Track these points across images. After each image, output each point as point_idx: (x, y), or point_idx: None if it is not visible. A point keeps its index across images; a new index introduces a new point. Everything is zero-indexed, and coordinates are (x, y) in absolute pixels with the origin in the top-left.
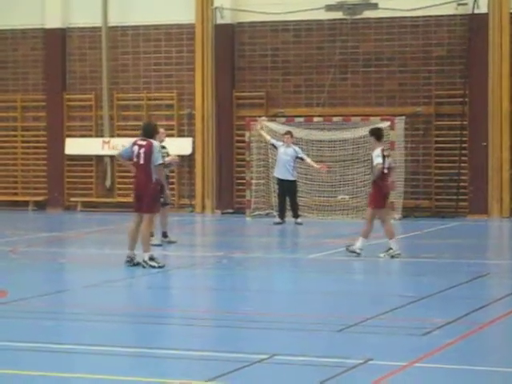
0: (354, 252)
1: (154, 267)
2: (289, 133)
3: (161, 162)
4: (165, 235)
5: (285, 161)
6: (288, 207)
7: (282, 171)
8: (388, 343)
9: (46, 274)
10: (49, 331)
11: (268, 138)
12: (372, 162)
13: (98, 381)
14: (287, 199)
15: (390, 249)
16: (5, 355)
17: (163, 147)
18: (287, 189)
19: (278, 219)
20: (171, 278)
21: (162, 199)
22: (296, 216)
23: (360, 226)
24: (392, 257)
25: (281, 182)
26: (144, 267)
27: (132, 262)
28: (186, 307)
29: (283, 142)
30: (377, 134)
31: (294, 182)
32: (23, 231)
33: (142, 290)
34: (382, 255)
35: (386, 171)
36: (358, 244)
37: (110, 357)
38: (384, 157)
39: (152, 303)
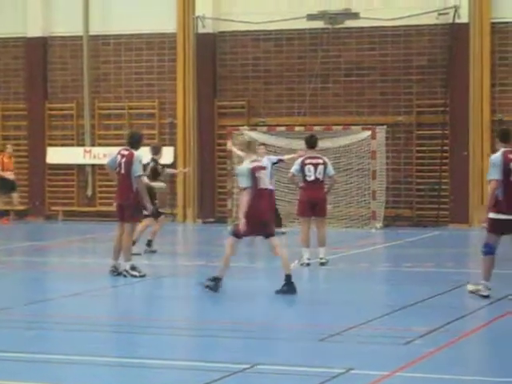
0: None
1: (135, 276)
2: (262, 144)
3: (140, 173)
4: (149, 244)
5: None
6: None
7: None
8: (369, 352)
9: (27, 283)
10: (30, 341)
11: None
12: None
13: None
14: None
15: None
16: None
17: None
18: None
19: None
20: (152, 287)
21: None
22: (279, 226)
23: (342, 235)
24: (301, 264)
25: None
26: (125, 276)
27: (116, 272)
28: (168, 317)
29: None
30: (307, 141)
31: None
32: (4, 241)
33: (123, 299)
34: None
35: (308, 179)
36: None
37: (92, 366)
38: (304, 165)
39: (133, 313)
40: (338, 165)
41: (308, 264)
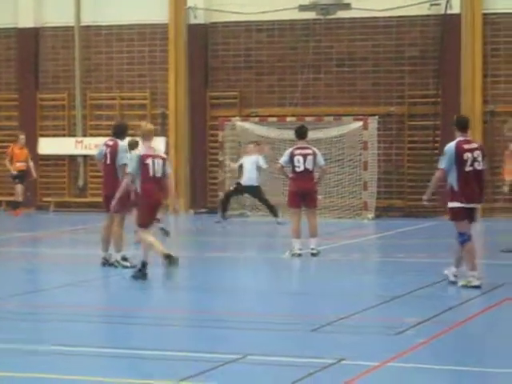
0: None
1: (126, 267)
2: (254, 142)
3: (125, 162)
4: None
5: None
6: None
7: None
8: (361, 343)
9: (18, 274)
10: (23, 332)
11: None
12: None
13: (74, 381)
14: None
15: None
16: None
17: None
18: (254, 193)
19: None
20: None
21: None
22: (275, 215)
23: (334, 226)
24: (293, 255)
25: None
26: (116, 267)
27: (107, 263)
28: (159, 307)
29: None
30: (297, 132)
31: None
32: None
33: (114, 290)
34: (285, 254)
35: (298, 170)
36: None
37: (85, 357)
38: (293, 156)
39: (124, 303)
40: (330, 155)
41: (299, 254)
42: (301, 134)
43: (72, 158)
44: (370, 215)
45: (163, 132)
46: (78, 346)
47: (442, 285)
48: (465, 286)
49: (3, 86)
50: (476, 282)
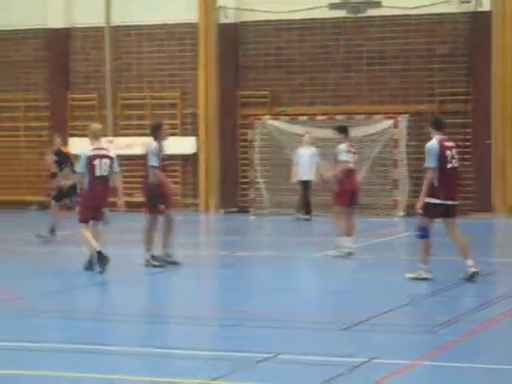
0: (343, 253)
1: (155, 266)
2: (307, 133)
3: (152, 164)
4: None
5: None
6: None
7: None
8: (393, 341)
9: (51, 274)
10: (57, 330)
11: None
12: (336, 158)
13: (108, 381)
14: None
15: (343, 246)
16: (13, 355)
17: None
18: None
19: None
20: (174, 277)
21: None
22: (308, 213)
23: (364, 224)
24: (348, 254)
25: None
26: (147, 266)
27: (168, 262)
28: (191, 306)
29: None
30: (345, 130)
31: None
32: (23, 231)
33: (145, 289)
34: (331, 252)
35: (351, 168)
36: (347, 244)
37: (118, 356)
38: (351, 153)
39: (156, 303)
40: (361, 154)
41: (351, 253)
42: (347, 131)
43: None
44: (401, 213)
45: (193, 131)
46: (114, 345)
47: (473, 283)
48: (414, 279)
49: (33, 86)
50: (427, 275)
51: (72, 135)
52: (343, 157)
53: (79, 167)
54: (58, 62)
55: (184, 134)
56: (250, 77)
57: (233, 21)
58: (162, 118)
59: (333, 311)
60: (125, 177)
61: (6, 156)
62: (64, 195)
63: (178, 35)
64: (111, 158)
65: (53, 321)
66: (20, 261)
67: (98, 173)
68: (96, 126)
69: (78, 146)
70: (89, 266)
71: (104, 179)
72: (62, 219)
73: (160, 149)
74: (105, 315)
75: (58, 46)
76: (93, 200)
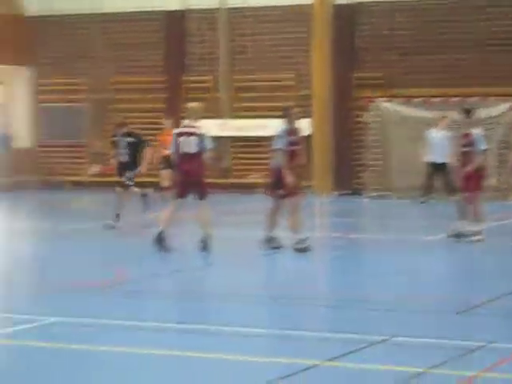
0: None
1: (273, 248)
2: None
3: (277, 146)
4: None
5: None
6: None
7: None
8: (509, 325)
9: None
10: (192, 312)
11: None
12: (474, 144)
13: (238, 362)
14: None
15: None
16: (152, 335)
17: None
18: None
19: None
20: (291, 259)
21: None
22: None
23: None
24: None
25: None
26: (265, 247)
27: (271, 244)
28: (304, 288)
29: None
30: (471, 112)
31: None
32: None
33: (259, 270)
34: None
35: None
36: (475, 228)
37: (244, 338)
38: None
39: (270, 284)
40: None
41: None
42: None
43: (217, 140)
44: None
45: (307, 114)
46: (238, 326)
47: None
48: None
49: (151, 68)
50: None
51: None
52: (482, 146)
53: (171, 147)
54: (173, 44)
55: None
56: (364, 58)
57: (349, 2)
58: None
59: (448, 294)
60: (238, 158)
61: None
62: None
63: (293, 17)
64: (199, 135)
65: (164, 301)
66: (136, 242)
67: (184, 149)
68: (192, 105)
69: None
70: (204, 247)
71: (191, 156)
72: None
73: (289, 132)
74: (218, 296)
75: (174, 28)
76: (181, 176)
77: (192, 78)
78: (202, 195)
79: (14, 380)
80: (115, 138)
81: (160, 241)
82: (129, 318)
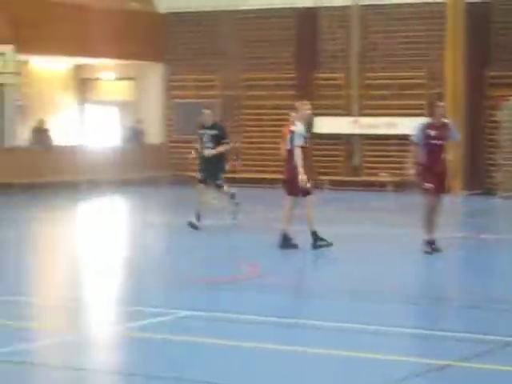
0: None
1: (427, 253)
2: None
3: (415, 140)
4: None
5: None
6: None
7: None
8: None
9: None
10: (316, 308)
11: None
12: None
13: (378, 361)
14: None
15: None
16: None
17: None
18: None
19: None
20: (424, 259)
21: None
22: None
23: None
24: None
25: None
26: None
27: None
28: (441, 288)
29: None
30: None
31: None
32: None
33: (396, 270)
34: None
35: None
36: None
37: (378, 336)
38: None
39: (408, 284)
40: None
41: None
42: None
43: (348, 137)
44: None
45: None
46: (372, 325)
47: None
48: None
49: (282, 65)
50: None
51: (317, 114)
52: None
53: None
54: (305, 42)
55: (426, 113)
56: (498, 56)
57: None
58: (436, 96)
59: None
60: (368, 156)
61: (252, 134)
62: None
63: (426, 14)
64: (292, 132)
65: (296, 298)
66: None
67: (287, 146)
68: (298, 102)
69: (323, 125)
70: (312, 244)
71: (288, 152)
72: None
73: (430, 126)
74: (332, 293)
75: (306, 25)
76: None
77: (323, 75)
78: (302, 193)
79: (149, 371)
80: (200, 131)
81: (285, 239)
82: (260, 314)
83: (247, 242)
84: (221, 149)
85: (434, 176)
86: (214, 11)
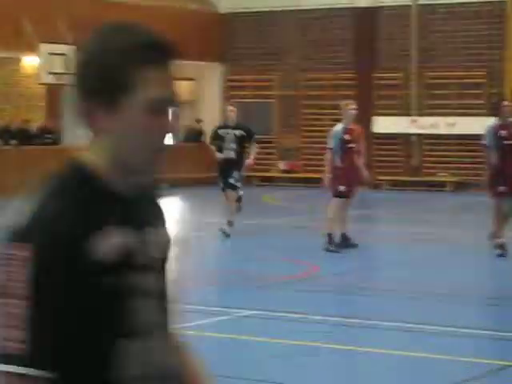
0: None
1: (501, 255)
2: None
3: (485, 143)
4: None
5: None
6: None
7: None
8: None
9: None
10: (363, 307)
11: None
12: None
13: (440, 360)
14: None
15: None
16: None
17: None
18: None
19: None
20: (500, 261)
21: None
22: None
23: None
24: None
25: None
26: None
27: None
28: (494, 286)
29: None
30: None
31: None
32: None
33: (470, 272)
34: None
35: None
36: None
37: (442, 337)
38: None
39: (482, 285)
40: None
41: None
42: None
43: (406, 137)
44: None
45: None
46: (437, 325)
47: None
48: None
49: (341, 65)
50: None
51: (376, 114)
52: None
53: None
54: (364, 41)
55: (491, 114)
56: None
57: None
58: (500, 96)
59: None
60: (428, 156)
61: (311, 134)
62: None
63: (486, 13)
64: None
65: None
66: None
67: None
68: (343, 102)
69: (382, 124)
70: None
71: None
72: None
73: (500, 127)
74: (381, 291)
75: (365, 25)
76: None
77: (382, 75)
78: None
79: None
80: (221, 131)
81: (343, 240)
82: (311, 313)
83: (307, 242)
84: (255, 154)
85: (506, 178)
86: (273, 11)
